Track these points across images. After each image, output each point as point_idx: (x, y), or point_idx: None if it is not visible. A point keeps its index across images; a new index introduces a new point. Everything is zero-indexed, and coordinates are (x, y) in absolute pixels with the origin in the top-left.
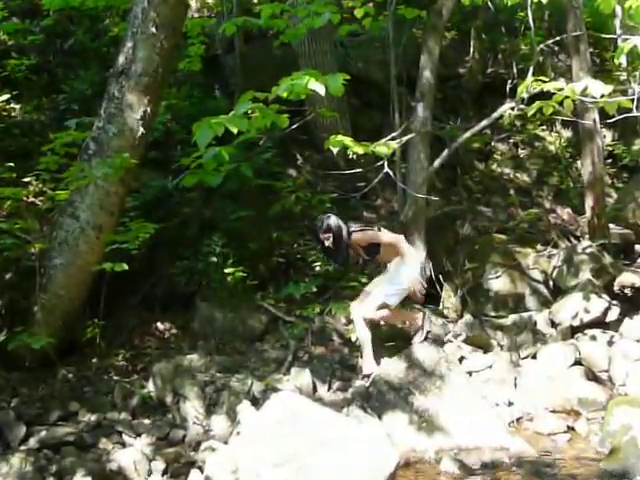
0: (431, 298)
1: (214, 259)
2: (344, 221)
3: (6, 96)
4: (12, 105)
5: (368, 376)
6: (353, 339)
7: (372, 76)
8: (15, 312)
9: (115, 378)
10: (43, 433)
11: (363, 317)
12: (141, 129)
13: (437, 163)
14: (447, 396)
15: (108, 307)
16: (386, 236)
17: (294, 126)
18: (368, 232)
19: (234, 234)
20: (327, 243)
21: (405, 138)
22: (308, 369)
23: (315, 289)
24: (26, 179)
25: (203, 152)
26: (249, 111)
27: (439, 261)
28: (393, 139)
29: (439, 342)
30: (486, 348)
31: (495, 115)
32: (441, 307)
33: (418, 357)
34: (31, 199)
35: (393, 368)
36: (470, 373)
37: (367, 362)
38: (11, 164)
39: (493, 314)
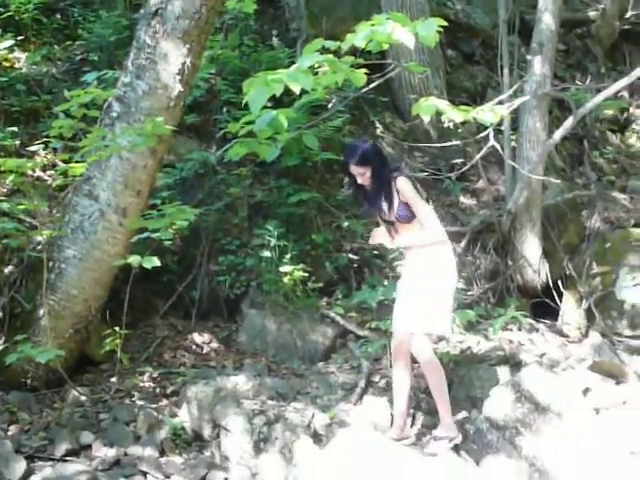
0: (547, 310)
1: (267, 254)
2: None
3: (9, 43)
4: (16, 54)
5: (450, 439)
6: (445, 360)
7: (474, 21)
8: (16, 316)
9: (139, 403)
10: (48, 471)
11: (420, 352)
12: (178, 86)
13: (558, 135)
14: (567, 439)
15: (133, 312)
16: (432, 214)
17: (373, 85)
18: (412, 187)
19: (293, 222)
20: (361, 181)
21: (517, 102)
22: (386, 398)
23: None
24: (32, 148)
25: (256, 116)
26: (315, 65)
27: (558, 262)
28: (501, 103)
29: (556, 368)
30: (619, 378)
31: (636, 73)
32: (560, 323)
33: (529, 387)
34: (38, 173)
35: (496, 401)
36: (597, 410)
37: (445, 419)
38: (14, 129)
39: (629, 333)
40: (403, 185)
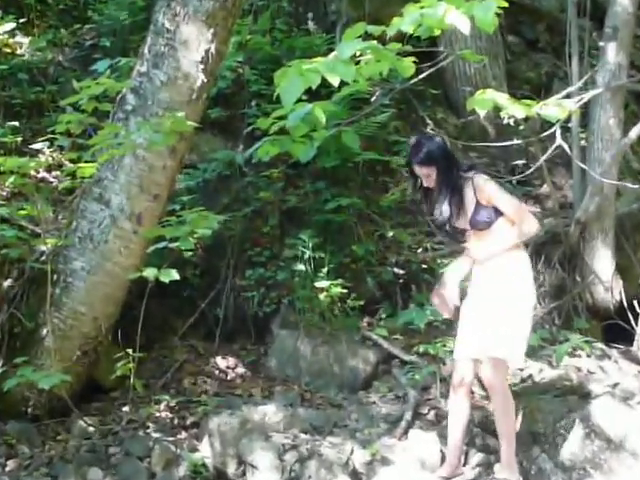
0: (621, 334)
1: (301, 267)
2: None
3: (10, 26)
4: (18, 39)
5: None
6: None
7: (539, 3)
8: (16, 336)
9: (155, 435)
10: None
11: (496, 382)
12: (201, 76)
13: (635, 133)
14: None
15: (148, 333)
16: (520, 207)
17: (423, 75)
18: (494, 183)
19: (331, 232)
20: (426, 183)
21: (588, 95)
22: (435, 433)
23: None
24: (36, 146)
25: (289, 111)
26: (357, 53)
27: (634, 279)
28: (569, 96)
29: (632, 401)
30: None
31: None
32: (635, 348)
33: (600, 422)
34: (42, 174)
35: (563, 435)
36: None
37: (508, 459)
38: (15, 123)
39: None
40: (482, 183)
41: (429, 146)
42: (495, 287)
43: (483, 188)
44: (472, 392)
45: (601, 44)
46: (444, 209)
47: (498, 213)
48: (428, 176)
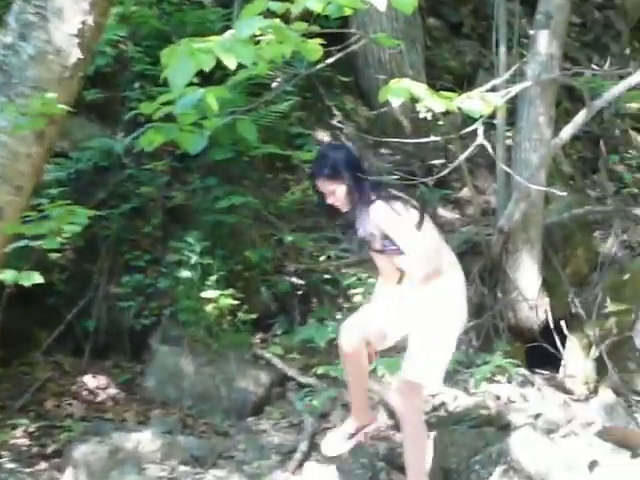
0: (545, 358)
1: (186, 274)
2: (366, 164)
3: None
4: None
5: None
6: None
7: None
8: None
9: (9, 466)
10: None
11: (408, 410)
12: (76, 51)
13: (567, 133)
14: None
15: (5, 346)
16: (414, 245)
17: (331, 60)
18: (393, 216)
19: (221, 234)
20: (331, 201)
21: (515, 88)
22: (334, 466)
23: None
24: None
25: (177, 96)
26: (257, 32)
27: (562, 297)
28: (495, 90)
29: (556, 434)
30: (636, 449)
31: None
32: (562, 375)
33: (520, 457)
34: None
35: (477, 471)
36: None
37: None
38: None
39: None
40: (376, 214)
41: (335, 158)
42: (417, 307)
43: (379, 222)
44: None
45: (532, 32)
46: (363, 228)
47: None
48: (332, 193)
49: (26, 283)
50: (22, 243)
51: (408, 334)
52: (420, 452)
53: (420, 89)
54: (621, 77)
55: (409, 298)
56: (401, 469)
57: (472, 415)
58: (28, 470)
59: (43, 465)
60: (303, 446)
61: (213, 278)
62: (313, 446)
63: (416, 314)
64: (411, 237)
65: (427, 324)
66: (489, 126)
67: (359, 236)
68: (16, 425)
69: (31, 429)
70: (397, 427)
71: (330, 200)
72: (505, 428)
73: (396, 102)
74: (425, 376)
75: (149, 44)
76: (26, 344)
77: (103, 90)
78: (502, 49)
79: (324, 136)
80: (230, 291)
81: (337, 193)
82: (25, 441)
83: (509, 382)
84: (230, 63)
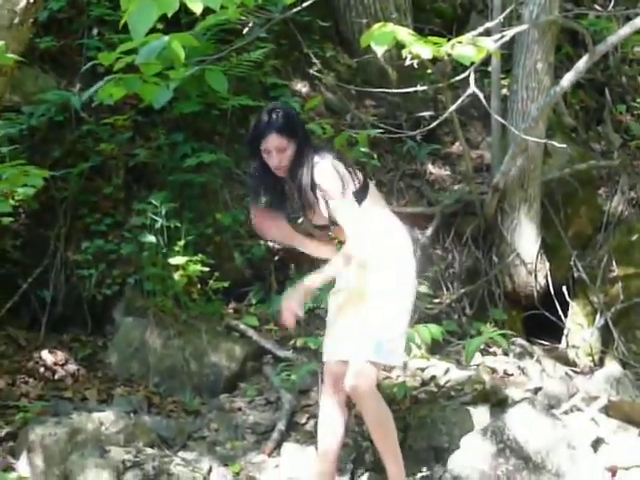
0: (546, 327)
1: (151, 239)
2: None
3: None
4: None
5: None
6: (399, 395)
7: None
8: None
9: None
10: None
11: (359, 389)
12: None
13: (568, 80)
14: None
15: None
16: (352, 220)
17: (308, 2)
18: (341, 172)
19: (190, 195)
20: (276, 161)
21: (511, 32)
22: (314, 447)
23: None
24: None
25: (139, 44)
26: None
27: (564, 261)
28: (488, 34)
29: (557, 410)
30: None
31: None
32: (563, 345)
33: (517, 436)
34: None
35: (470, 450)
36: (613, 470)
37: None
38: None
39: None
40: (320, 175)
41: (289, 113)
42: (362, 278)
43: (321, 183)
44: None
45: None
46: (304, 198)
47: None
48: (284, 150)
49: None
50: None
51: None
52: (388, 430)
53: (406, 34)
54: (628, 18)
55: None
56: None
57: (465, 390)
58: None
59: None
60: (281, 425)
61: (181, 243)
62: (292, 425)
63: (357, 289)
64: (347, 207)
65: (387, 293)
66: (482, 74)
67: (298, 205)
68: None
69: None
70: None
71: (276, 159)
72: (501, 404)
73: (380, 49)
74: (380, 352)
75: None
76: None
77: (58, 38)
78: None
79: (302, 87)
80: (200, 257)
81: (287, 152)
82: None
83: (506, 354)
84: (196, 7)
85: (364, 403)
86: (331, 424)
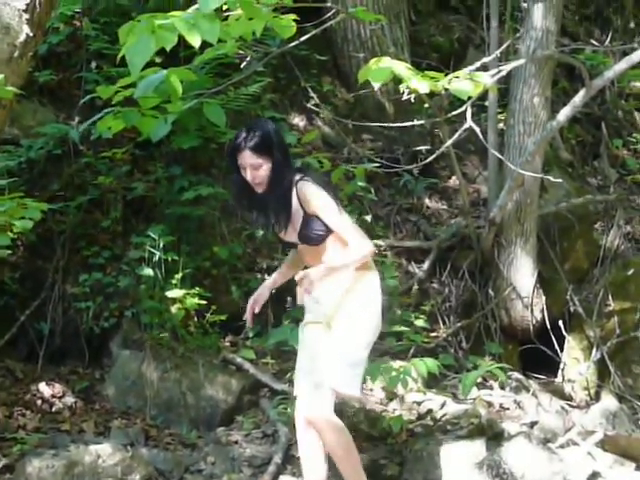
0: (542, 362)
1: (149, 272)
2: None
3: None
4: None
5: None
6: (395, 428)
7: None
8: None
9: None
10: None
11: (320, 416)
12: (26, 29)
13: (565, 114)
14: None
15: None
16: (349, 224)
17: (306, 37)
18: (325, 193)
19: (187, 229)
20: (251, 177)
21: (508, 67)
22: None
23: None
24: None
25: (137, 77)
26: (224, 7)
27: (560, 295)
28: (485, 68)
29: (553, 444)
30: None
31: None
32: (560, 380)
33: (513, 469)
34: None
35: None
36: None
37: None
38: None
39: None
40: (307, 191)
41: (266, 130)
42: (329, 304)
43: (305, 198)
44: None
45: (525, 4)
46: (278, 215)
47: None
48: (258, 168)
49: None
50: None
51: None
52: (351, 455)
53: (403, 69)
54: (624, 53)
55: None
56: None
57: (461, 424)
58: None
59: None
60: (277, 458)
61: (178, 276)
62: (288, 458)
63: (341, 308)
64: (343, 216)
65: (350, 321)
66: (479, 108)
67: (269, 220)
68: None
69: None
70: (379, 438)
71: (250, 176)
72: (497, 438)
73: (377, 84)
74: (345, 384)
75: (106, 20)
76: None
77: (57, 71)
78: (493, 24)
79: (299, 120)
80: (197, 290)
81: (262, 169)
82: None
83: (502, 388)
84: (194, 41)
85: (322, 433)
86: (314, 456)
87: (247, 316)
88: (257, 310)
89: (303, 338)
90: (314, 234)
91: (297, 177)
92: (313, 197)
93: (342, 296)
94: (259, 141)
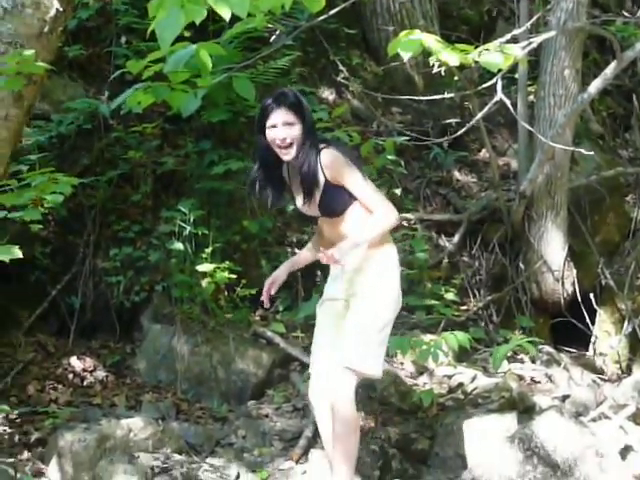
0: (573, 335)
1: (179, 246)
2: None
3: None
4: None
5: None
6: (426, 402)
7: None
8: None
9: None
10: None
11: (341, 396)
12: (55, 3)
13: (596, 87)
14: None
15: None
16: (375, 191)
17: (335, 10)
18: (350, 162)
19: (217, 203)
20: (282, 136)
21: (538, 39)
22: None
23: None
24: None
25: (167, 52)
26: None
27: (591, 268)
28: (515, 41)
29: (584, 417)
30: None
31: None
32: (591, 353)
33: (544, 443)
34: None
35: (498, 457)
36: None
37: None
38: None
39: None
40: (331, 159)
41: (299, 95)
42: (352, 281)
43: (331, 165)
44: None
45: None
46: (304, 184)
47: (352, 196)
48: (290, 126)
49: (5, 258)
50: (0, 214)
51: (336, 308)
52: (351, 444)
53: (433, 41)
54: None
55: (351, 263)
56: (414, 455)
57: (492, 397)
58: (10, 460)
59: (26, 455)
60: (308, 432)
61: (208, 250)
62: (319, 432)
63: (358, 285)
64: (368, 182)
65: (369, 299)
66: (509, 81)
67: (295, 187)
68: None
69: (12, 416)
70: (410, 412)
71: (283, 133)
72: (528, 411)
73: (407, 56)
74: (366, 364)
75: None
76: (6, 324)
77: (86, 46)
78: None
79: (328, 94)
80: (227, 264)
81: (295, 128)
82: (6, 429)
83: (533, 361)
84: (224, 14)
85: (339, 411)
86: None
87: (264, 297)
88: (273, 291)
89: (321, 315)
90: (336, 204)
91: (321, 145)
92: (338, 164)
93: (360, 271)
94: (294, 100)
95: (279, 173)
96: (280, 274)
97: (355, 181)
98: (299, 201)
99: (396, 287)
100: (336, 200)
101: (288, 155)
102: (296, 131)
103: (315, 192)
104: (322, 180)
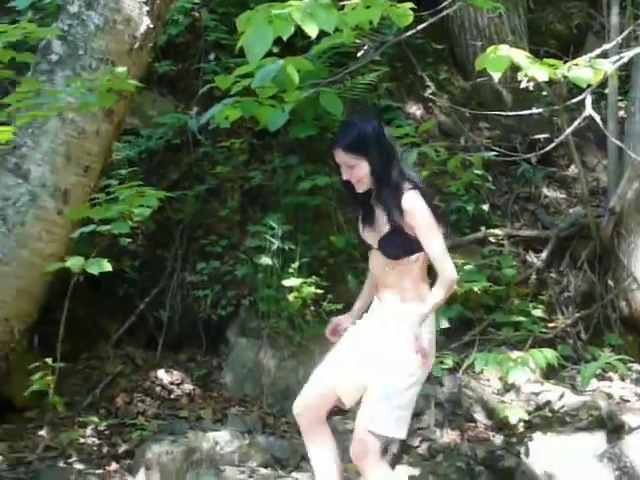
0: None
1: (266, 261)
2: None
3: None
4: None
5: None
6: (512, 419)
7: None
8: None
9: (78, 467)
10: None
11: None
12: (146, 20)
13: None
14: None
15: (73, 339)
16: (446, 251)
17: (423, 26)
18: (430, 213)
19: (304, 217)
20: (347, 176)
21: (629, 54)
22: (427, 469)
23: (448, 323)
24: None
25: (255, 67)
26: None
27: None
28: (605, 55)
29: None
30: None
31: None
32: None
33: (634, 462)
34: None
35: (587, 476)
36: None
37: None
38: None
39: None
40: (414, 203)
41: (361, 128)
42: (386, 334)
43: (413, 211)
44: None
45: None
46: (376, 216)
47: (416, 247)
48: (352, 168)
49: (95, 271)
50: (90, 228)
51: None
52: None
53: (521, 57)
54: None
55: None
56: (502, 473)
57: (580, 416)
58: (98, 472)
59: (114, 466)
60: (394, 448)
61: (295, 265)
62: (405, 448)
63: (390, 337)
64: (441, 238)
65: (398, 357)
66: (599, 96)
67: (368, 222)
68: (85, 423)
69: (101, 427)
70: (497, 428)
71: (346, 175)
72: (618, 430)
73: (496, 76)
74: (389, 426)
75: (225, 11)
76: (95, 336)
77: (176, 62)
78: (614, 10)
79: (416, 109)
80: (314, 279)
81: (356, 169)
82: (94, 440)
83: (622, 379)
84: (311, 30)
85: (367, 473)
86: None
87: (328, 335)
88: (334, 337)
89: (353, 332)
90: (396, 247)
91: (408, 185)
92: (420, 212)
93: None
94: (351, 140)
95: (363, 196)
96: (345, 319)
97: (430, 235)
98: (362, 225)
99: (432, 344)
100: (399, 243)
101: (360, 189)
102: (360, 171)
103: (379, 223)
104: (398, 220)
